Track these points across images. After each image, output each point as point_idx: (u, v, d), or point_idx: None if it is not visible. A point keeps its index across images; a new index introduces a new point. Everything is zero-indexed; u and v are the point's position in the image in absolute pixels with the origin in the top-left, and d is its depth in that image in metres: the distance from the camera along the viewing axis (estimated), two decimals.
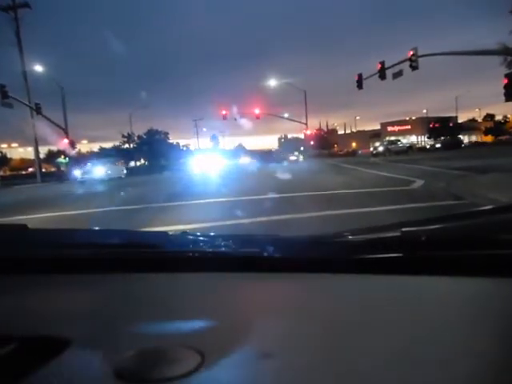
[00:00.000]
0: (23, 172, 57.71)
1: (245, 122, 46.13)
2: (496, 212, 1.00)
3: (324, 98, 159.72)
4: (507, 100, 15.99)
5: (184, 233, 1.10)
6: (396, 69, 22.55)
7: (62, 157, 38.84)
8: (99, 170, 26.63)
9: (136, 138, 56.41)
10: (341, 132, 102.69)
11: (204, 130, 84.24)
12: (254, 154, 58.80)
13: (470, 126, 73.74)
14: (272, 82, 42.36)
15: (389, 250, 0.78)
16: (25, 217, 8.26)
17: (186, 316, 0.67)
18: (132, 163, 56.59)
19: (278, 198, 8.47)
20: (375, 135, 78.15)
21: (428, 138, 65.33)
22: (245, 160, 48.98)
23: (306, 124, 46.01)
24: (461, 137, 57.89)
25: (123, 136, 56.23)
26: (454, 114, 72.47)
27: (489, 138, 68.07)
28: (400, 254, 0.77)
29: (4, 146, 73.90)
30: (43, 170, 37.60)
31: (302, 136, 63.27)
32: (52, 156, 57.31)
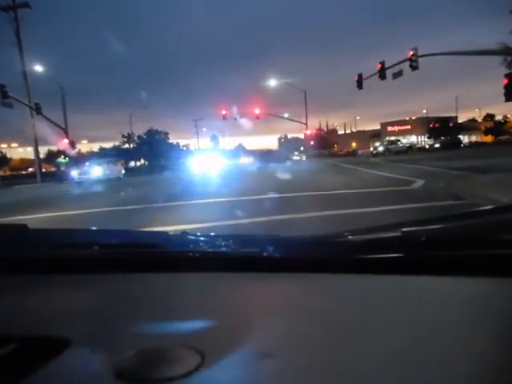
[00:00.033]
0: (23, 172, 57.71)
1: (245, 122, 46.16)
2: (496, 212, 1.00)
3: (324, 98, 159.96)
4: (507, 100, 15.99)
5: (184, 233, 1.10)
6: (396, 69, 22.58)
7: (62, 157, 38.85)
8: (96, 171, 25.93)
9: (136, 138, 56.40)
10: (341, 132, 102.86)
11: (204, 130, 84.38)
12: (255, 154, 58.75)
13: (470, 126, 73.76)
14: (272, 82, 42.42)
15: (389, 250, 0.78)
16: (25, 217, 8.26)
17: (185, 316, 0.67)
18: (132, 163, 56.65)
19: (278, 198, 8.47)
20: (375, 135, 78.16)
21: (428, 138, 65.35)
22: (246, 160, 48.89)
23: (306, 124, 46.03)
24: (461, 137, 57.97)
25: (123, 136, 56.30)
26: (454, 114, 72.55)
27: (489, 138, 68.07)
28: (400, 254, 0.77)
29: (4, 145, 73.96)
30: (43, 170, 37.60)
31: (302, 136, 63.30)
32: (52, 156, 57.36)
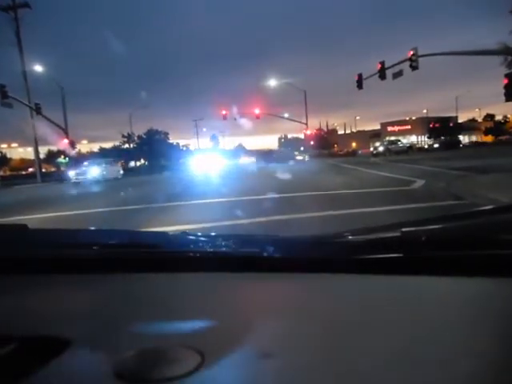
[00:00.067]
0: (23, 172, 57.65)
1: (245, 122, 46.14)
2: (496, 212, 1.00)
3: (324, 98, 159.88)
4: (507, 100, 15.98)
5: (184, 233, 1.09)
6: (396, 69, 22.57)
7: (62, 157, 38.80)
8: (94, 171, 25.45)
9: (136, 138, 56.37)
10: (341, 132, 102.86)
11: (204, 130, 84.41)
12: (256, 153, 58.57)
13: (470, 126, 73.75)
14: (272, 82, 42.41)
15: (389, 250, 0.78)
16: (25, 217, 8.26)
17: (186, 316, 0.67)
18: (132, 163, 56.64)
19: (277, 198, 8.47)
20: (375, 135, 78.17)
21: (428, 138, 65.31)
22: (248, 160, 48.63)
23: (306, 124, 46.01)
24: (461, 137, 57.98)
25: (123, 136, 56.25)
26: (454, 114, 72.50)
27: (489, 138, 68.08)
28: (400, 254, 0.77)
29: (4, 146, 74.00)
30: (43, 170, 37.58)
31: (302, 136, 63.27)
32: (52, 156, 57.38)
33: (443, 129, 60.33)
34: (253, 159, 48.07)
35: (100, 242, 1.01)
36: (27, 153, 70.68)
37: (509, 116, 72.41)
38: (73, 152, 35.42)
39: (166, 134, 58.87)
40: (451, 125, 63.50)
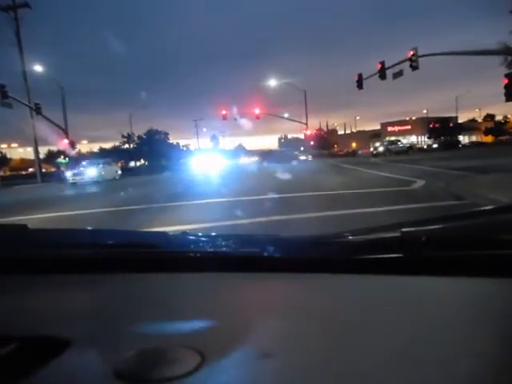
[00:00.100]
0: (23, 172, 57.68)
1: (245, 122, 46.06)
2: (496, 212, 1.00)
3: (324, 98, 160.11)
4: (507, 100, 15.97)
5: (184, 233, 1.09)
6: (396, 69, 22.57)
7: (62, 157, 38.80)
8: (91, 172, 24.88)
9: (136, 138, 56.36)
10: (341, 132, 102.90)
11: (204, 130, 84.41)
12: (258, 153, 58.41)
13: (470, 126, 73.74)
14: (272, 82, 42.40)
15: (389, 251, 0.78)
16: (25, 217, 8.26)
17: (186, 316, 0.67)
18: (132, 163, 56.62)
19: (277, 198, 8.47)
20: (375, 135, 78.19)
21: (428, 138, 65.31)
22: (250, 159, 48.29)
23: (306, 124, 46.01)
24: (461, 137, 57.97)
25: (123, 136, 56.24)
26: (454, 114, 72.48)
27: (489, 138, 68.06)
28: (400, 255, 0.77)
29: (4, 146, 73.97)
30: (43, 171, 37.55)
31: (301, 136, 63.29)
32: (52, 156, 57.34)
33: (443, 129, 60.30)
34: (254, 159, 47.85)
35: (100, 242, 1.01)
36: (27, 153, 70.78)
37: (509, 116, 72.48)
38: (73, 152, 35.41)
39: (166, 134, 58.90)
40: (451, 125, 63.46)
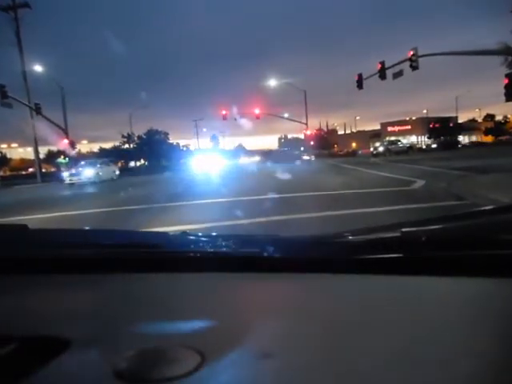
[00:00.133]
0: (23, 172, 57.69)
1: (245, 122, 46.01)
2: (496, 212, 1.00)
3: (324, 98, 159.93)
4: (507, 100, 15.96)
5: (184, 233, 1.10)
6: (396, 69, 22.55)
7: (62, 157, 38.77)
8: (88, 172, 24.32)
9: (136, 139, 56.34)
10: (341, 132, 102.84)
11: (204, 130, 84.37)
12: (260, 153, 58.21)
13: (470, 126, 73.70)
14: (272, 82, 42.34)
15: (389, 251, 0.78)
16: (25, 217, 8.26)
17: (185, 316, 0.67)
18: (132, 163, 56.61)
19: (277, 198, 8.47)
20: (375, 135, 78.15)
21: (428, 138, 65.30)
22: (250, 159, 47.96)
23: (306, 124, 45.98)
24: (461, 137, 57.97)
25: (123, 136, 56.21)
26: (454, 114, 72.39)
27: (489, 138, 68.06)
28: (400, 255, 0.77)
29: (4, 146, 73.97)
30: (43, 171, 37.55)
31: (302, 136, 63.19)
32: (52, 156, 57.36)
33: (443, 129, 60.27)
34: (255, 159, 47.55)
35: (100, 242, 1.02)
36: (27, 153, 70.76)
37: (509, 116, 72.47)
38: (73, 152, 35.36)
39: (166, 134, 58.87)
40: (451, 125, 63.40)
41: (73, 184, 22.92)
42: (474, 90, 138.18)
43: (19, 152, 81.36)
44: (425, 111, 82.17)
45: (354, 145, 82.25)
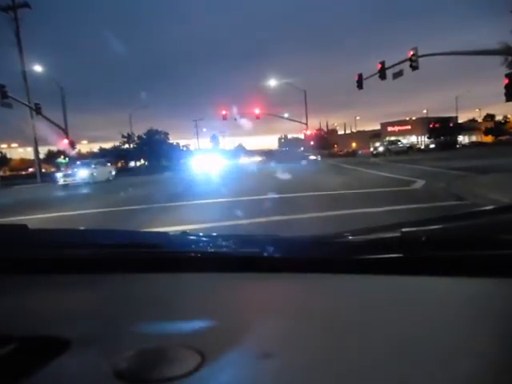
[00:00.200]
0: (23, 172, 57.62)
1: (245, 122, 45.95)
2: (496, 212, 1.00)
3: (324, 98, 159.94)
4: (508, 100, 15.96)
5: (184, 233, 1.10)
6: (396, 69, 22.54)
7: (62, 157, 38.69)
8: (82, 173, 23.63)
9: (136, 139, 56.32)
10: (341, 132, 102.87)
11: (204, 130, 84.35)
12: (263, 153, 57.97)
13: (470, 126, 73.69)
14: (272, 82, 42.30)
15: (389, 251, 0.78)
16: (25, 217, 8.26)
17: (186, 316, 0.67)
18: (132, 163, 56.58)
19: (277, 198, 8.47)
20: (375, 135, 78.17)
21: (428, 138, 65.30)
22: (251, 159, 47.66)
23: (306, 124, 45.96)
24: (461, 137, 57.96)
25: (123, 136, 56.20)
26: (454, 114, 72.35)
27: (489, 138, 68.06)
28: (400, 255, 0.77)
29: (4, 146, 73.98)
30: (43, 171, 37.54)
31: (302, 136, 63.17)
32: (52, 156, 57.33)
33: (443, 129, 60.24)
34: (255, 159, 47.27)
35: (100, 242, 1.02)
36: (27, 153, 70.78)
37: (509, 116, 72.45)
38: (73, 152, 35.36)
39: (166, 134, 58.87)
40: (451, 125, 63.37)
41: (67, 185, 22.46)
42: (474, 90, 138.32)
43: (19, 152, 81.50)
44: (425, 111, 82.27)
45: (354, 145, 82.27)
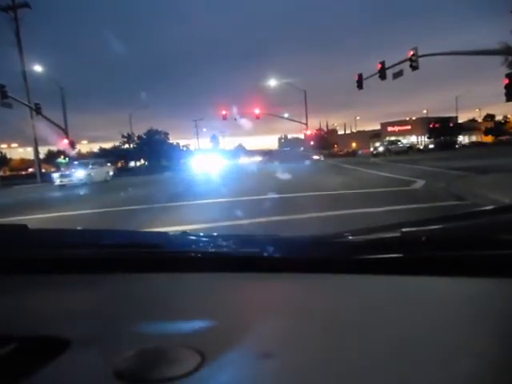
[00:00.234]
0: (23, 172, 57.62)
1: (245, 122, 45.92)
2: (496, 212, 1.00)
3: (324, 98, 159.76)
4: (508, 100, 15.96)
5: (184, 233, 1.10)
6: (396, 69, 22.55)
7: (62, 157, 38.72)
8: (79, 173, 22.90)
9: (136, 139, 56.31)
10: (341, 132, 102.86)
11: (204, 130, 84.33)
12: (264, 153, 57.93)
13: (470, 126, 73.69)
14: (272, 82, 42.31)
15: (389, 251, 0.78)
16: (25, 217, 8.26)
17: (186, 316, 0.67)
18: (132, 163, 56.57)
19: (278, 198, 8.47)
20: (375, 135, 78.16)
21: (428, 138, 65.30)
22: (250, 159, 47.59)
23: (306, 124, 45.96)
24: (461, 137, 57.98)
25: (123, 136, 56.17)
26: (454, 114, 72.36)
27: (489, 139, 68.06)
28: (400, 255, 0.77)
29: (4, 146, 73.97)
30: (43, 171, 37.52)
31: (301, 136, 63.15)
32: (52, 156, 57.34)
33: (443, 129, 60.20)
34: (255, 159, 47.16)
35: (100, 242, 1.02)
36: (27, 153, 70.74)
37: (509, 116, 72.46)
38: (73, 152, 35.33)
39: (166, 134, 58.81)
40: (451, 125, 63.36)
41: (63, 186, 22.17)
42: (474, 90, 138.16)
43: (19, 152, 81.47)
44: (425, 111, 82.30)
45: (353, 145, 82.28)
